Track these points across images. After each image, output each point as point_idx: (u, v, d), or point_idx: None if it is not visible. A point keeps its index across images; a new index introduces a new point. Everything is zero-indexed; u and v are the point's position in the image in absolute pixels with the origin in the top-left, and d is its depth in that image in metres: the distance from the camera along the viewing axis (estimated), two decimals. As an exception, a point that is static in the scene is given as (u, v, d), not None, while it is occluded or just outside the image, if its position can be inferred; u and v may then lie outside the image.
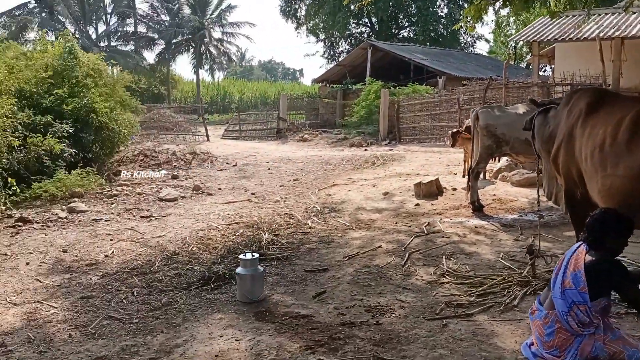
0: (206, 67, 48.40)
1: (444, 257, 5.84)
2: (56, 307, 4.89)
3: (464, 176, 10.07)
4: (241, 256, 5.02)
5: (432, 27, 39.12)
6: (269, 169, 14.02)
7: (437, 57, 28.75)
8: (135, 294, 5.21)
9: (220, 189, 11.15)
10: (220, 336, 4.14)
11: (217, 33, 47.57)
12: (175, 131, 24.10)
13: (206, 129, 24.18)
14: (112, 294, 5.24)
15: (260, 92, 51.49)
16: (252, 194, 10.40)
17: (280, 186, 11.28)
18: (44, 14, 41.42)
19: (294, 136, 23.65)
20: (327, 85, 30.13)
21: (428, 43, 36.75)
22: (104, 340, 4.18)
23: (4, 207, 8.85)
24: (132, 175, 12.81)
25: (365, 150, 17.96)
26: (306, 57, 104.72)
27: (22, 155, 9.89)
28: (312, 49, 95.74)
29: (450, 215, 7.88)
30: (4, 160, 9.18)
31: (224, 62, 50.81)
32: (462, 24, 10.92)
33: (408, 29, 42.13)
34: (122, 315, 4.68)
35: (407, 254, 6.00)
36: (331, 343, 3.93)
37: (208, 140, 23.18)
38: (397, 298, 4.80)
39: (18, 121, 9.88)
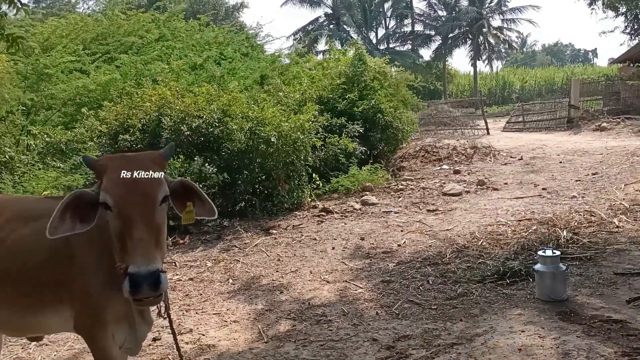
0: (484, 57, 47.34)
1: None
2: (361, 288, 5.42)
3: None
4: (540, 253, 4.78)
5: None
6: (560, 162, 13.01)
7: None
8: (430, 282, 5.43)
9: (506, 183, 10.79)
10: (522, 331, 4.03)
11: (496, 21, 46.17)
12: (453, 126, 24.20)
13: (486, 122, 23.68)
14: (409, 280, 5.56)
15: (544, 79, 48.04)
16: (543, 189, 9.79)
17: (576, 181, 10.35)
18: (331, 26, 46.24)
19: (588, 125, 21.37)
20: (631, 64, 26.31)
21: None
22: (407, 321, 4.48)
23: (309, 199, 10.19)
24: (415, 170, 13.40)
25: (685, 138, 15.24)
26: (602, 35, 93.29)
27: (322, 153, 11.19)
28: (610, 25, 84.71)
29: None
30: (309, 159, 10.52)
31: (503, 50, 49.07)
32: None
33: None
34: (421, 300, 4.94)
35: None
36: (655, 354, 3.46)
37: (488, 133, 22.66)
38: None
39: (319, 124, 11.21)
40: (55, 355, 4.52)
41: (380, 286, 5.44)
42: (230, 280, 6.08)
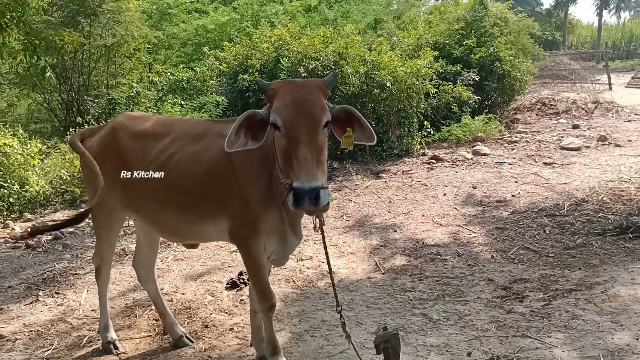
0: (611, 6, 43.19)
1: None
2: (475, 233, 5.48)
3: None
4: (672, 209, 4.57)
5: None
6: (693, 120, 11.93)
7: None
8: (547, 232, 5.38)
9: (630, 140, 10.11)
10: (645, 284, 3.96)
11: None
12: (571, 79, 22.62)
13: (609, 77, 21.91)
14: (524, 229, 5.54)
15: (679, 32, 43.26)
16: (672, 147, 9.11)
17: None
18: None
19: None
20: None
21: None
22: (523, 266, 4.52)
23: (419, 146, 10.18)
24: (529, 123, 12.86)
25: None
26: None
27: (435, 101, 11.02)
28: None
29: None
30: (422, 106, 10.43)
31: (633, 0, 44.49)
32: None
33: None
34: (537, 248, 4.93)
35: None
36: None
37: (610, 89, 20.99)
38: None
39: (433, 70, 11.00)
40: (190, 269, 5.05)
41: (495, 232, 5.47)
42: (344, 217, 6.37)
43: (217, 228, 2.96)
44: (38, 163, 7.71)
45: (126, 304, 4.33)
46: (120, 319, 4.05)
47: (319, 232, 2.72)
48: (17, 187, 7.09)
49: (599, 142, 9.94)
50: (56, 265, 5.25)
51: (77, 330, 3.88)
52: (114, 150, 3.18)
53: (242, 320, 3.85)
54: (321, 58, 9.45)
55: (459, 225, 5.76)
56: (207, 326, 3.82)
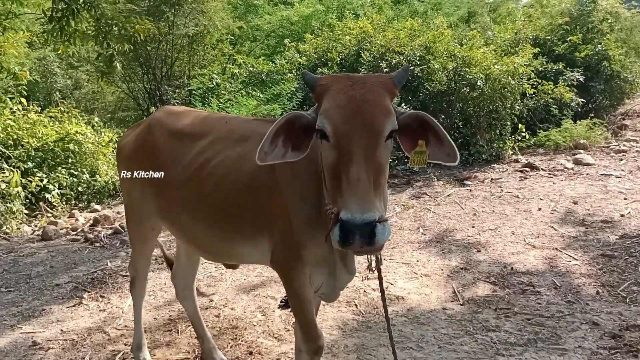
0: None
1: None
2: (576, 259, 4.62)
3: None
4: None
5: None
6: None
7: None
8: (668, 266, 4.43)
9: None
10: None
11: None
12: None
13: None
14: (637, 258, 4.60)
15: None
16: None
17: None
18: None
19: None
20: None
21: None
22: (637, 308, 3.66)
23: (511, 152, 9.22)
24: (640, 130, 11.45)
25: None
26: None
27: (531, 102, 9.97)
28: None
29: None
30: (516, 107, 9.44)
31: None
32: None
33: None
34: (656, 287, 4.03)
35: None
36: None
37: None
38: None
39: (532, 69, 9.96)
40: (244, 279, 4.61)
41: (600, 261, 4.59)
42: (421, 230, 5.69)
43: (257, 250, 2.42)
44: (110, 152, 7.62)
45: (170, 315, 3.94)
46: (160, 333, 3.66)
47: (373, 271, 2.13)
48: (87, 176, 6.99)
49: None
50: (109, 263, 5.00)
51: (113, 344, 3.52)
52: (147, 149, 2.75)
53: (291, 349, 3.33)
54: (406, 52, 8.76)
55: (556, 249, 4.91)
56: (251, 353, 3.34)
